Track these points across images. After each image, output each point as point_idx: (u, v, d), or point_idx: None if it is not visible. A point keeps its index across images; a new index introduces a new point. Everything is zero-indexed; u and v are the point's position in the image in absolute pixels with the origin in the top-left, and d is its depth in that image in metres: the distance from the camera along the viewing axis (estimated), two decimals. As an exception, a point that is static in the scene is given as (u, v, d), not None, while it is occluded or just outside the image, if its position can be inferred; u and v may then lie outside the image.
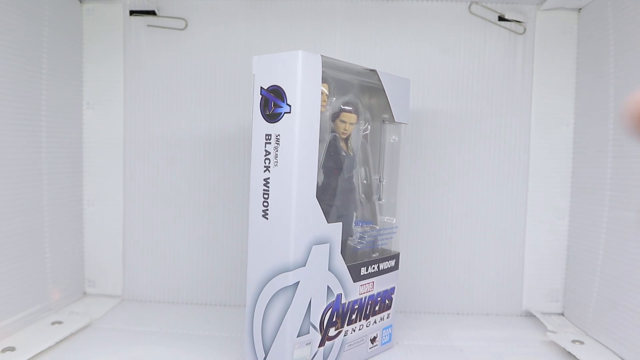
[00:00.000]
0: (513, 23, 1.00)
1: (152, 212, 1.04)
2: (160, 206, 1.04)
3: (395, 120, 0.81)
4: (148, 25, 1.03)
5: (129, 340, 0.84)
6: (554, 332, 0.91)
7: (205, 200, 1.04)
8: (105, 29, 1.03)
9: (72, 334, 0.84)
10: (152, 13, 1.02)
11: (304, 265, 0.66)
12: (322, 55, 0.67)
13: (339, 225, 0.71)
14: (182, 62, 1.03)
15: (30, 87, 0.88)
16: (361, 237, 0.78)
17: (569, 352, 0.83)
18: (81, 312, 0.95)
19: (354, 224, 0.77)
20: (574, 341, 0.87)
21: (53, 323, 0.87)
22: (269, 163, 0.67)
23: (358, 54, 1.01)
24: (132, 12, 1.03)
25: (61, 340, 0.82)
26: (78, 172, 1.02)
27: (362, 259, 0.77)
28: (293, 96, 0.65)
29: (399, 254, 0.83)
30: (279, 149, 0.66)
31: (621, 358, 0.80)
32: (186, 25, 1.02)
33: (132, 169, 1.04)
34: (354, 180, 0.78)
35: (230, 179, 1.03)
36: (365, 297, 0.77)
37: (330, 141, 0.73)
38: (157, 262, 1.05)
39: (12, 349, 0.76)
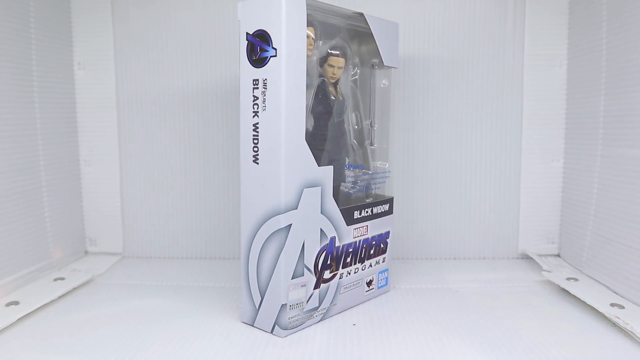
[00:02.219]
0: (504, -36, 0.98)
1: (148, 170, 1.05)
2: (155, 163, 1.05)
3: (385, 64, 0.80)
4: (134, -18, 1.02)
5: (129, 293, 0.86)
6: (549, 272, 0.92)
7: (200, 154, 1.04)
8: (91, -14, 1.02)
9: (74, 289, 0.86)
10: (137, -31, 1.01)
11: (296, 208, 0.67)
12: (306, -2, 0.66)
13: (330, 169, 0.71)
14: (171, 17, 1.02)
15: (19, 48, 0.87)
16: (354, 182, 0.79)
17: (563, 289, 0.84)
18: (83, 269, 0.97)
19: (345, 168, 0.78)
20: (568, 279, 0.88)
21: (55, 279, 0.89)
22: (258, 108, 0.67)
23: (347, 1, 0.99)
24: (117, -31, 1.02)
25: (63, 295, 0.83)
26: (73, 133, 1.03)
27: (355, 203, 0.78)
28: (278, 39, 0.64)
29: (392, 198, 0.84)
30: (266, 93, 0.66)
31: (614, 292, 0.82)
32: (173, -20, 1.01)
33: (127, 127, 1.05)
34: (345, 125, 0.78)
35: (224, 132, 1.03)
36: (359, 241, 0.78)
37: (318, 85, 0.73)
38: (156, 219, 1.06)
39: (16, 302, 0.78)
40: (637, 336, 0.66)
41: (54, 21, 0.97)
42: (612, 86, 0.85)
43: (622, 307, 0.75)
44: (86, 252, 1.07)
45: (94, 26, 1.03)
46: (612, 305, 0.76)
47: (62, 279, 0.90)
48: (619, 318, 0.70)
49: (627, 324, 0.68)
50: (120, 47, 1.03)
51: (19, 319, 0.73)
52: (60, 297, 0.82)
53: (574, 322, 0.74)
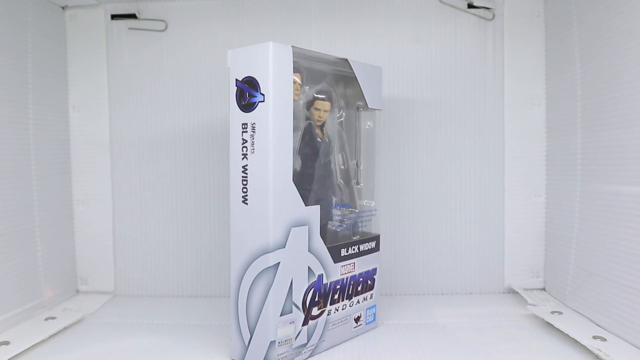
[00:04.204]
0: (482, 10, 1.03)
1: (140, 210, 1.07)
2: (147, 203, 1.07)
3: (369, 107, 0.84)
4: (129, 29, 1.06)
5: (120, 332, 0.86)
6: (534, 305, 0.94)
7: (192, 196, 1.06)
8: (87, 34, 1.06)
9: (65, 328, 0.87)
10: (132, 16, 1.05)
11: (284, 247, 0.69)
12: (292, 46, 0.70)
13: (316, 208, 0.73)
14: (164, 62, 1.06)
15: (17, 92, 0.90)
16: (341, 221, 0.81)
17: (548, 323, 0.86)
18: (74, 308, 0.97)
19: (332, 207, 0.80)
20: (553, 312, 0.90)
21: (47, 319, 0.90)
22: (247, 151, 0.70)
23: (333, 46, 1.04)
24: (113, 17, 1.06)
25: (54, 334, 0.84)
26: (67, 173, 1.05)
27: (343, 241, 0.80)
28: (266, 85, 0.67)
29: (379, 235, 0.86)
30: (255, 136, 0.69)
31: (597, 324, 0.83)
32: (166, 27, 1.05)
33: (119, 168, 1.07)
34: (331, 165, 0.80)
35: (215, 173, 1.06)
36: (347, 278, 0.80)
37: (305, 128, 0.76)
38: (147, 258, 1.08)
39: (6, 342, 0.79)
40: (617, 369, 0.67)
41: (51, 64, 1.00)
42: (587, 124, 0.89)
43: (604, 340, 0.77)
44: (77, 291, 1.08)
45: (89, 69, 1.06)
46: (595, 337, 0.77)
47: (53, 318, 0.90)
48: (600, 350, 0.72)
49: (607, 356, 0.70)
50: (115, 90, 1.06)
51: (9, 359, 0.74)
52: (51, 337, 0.83)
53: (557, 355, 0.75)
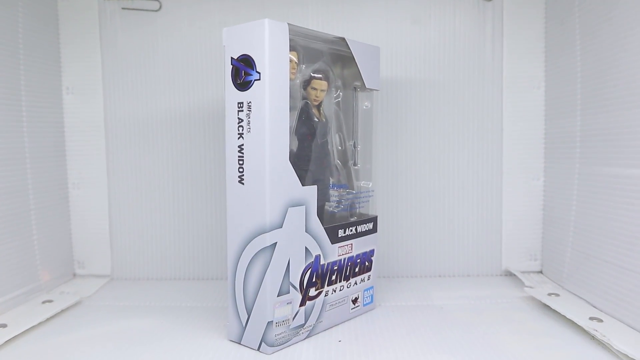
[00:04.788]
0: (481, -10, 1.02)
1: (136, 192, 1.07)
2: (143, 186, 1.06)
3: (367, 87, 0.83)
4: (123, 9, 1.04)
5: (117, 314, 0.86)
6: (531, 288, 0.94)
7: (188, 177, 1.06)
8: (80, 14, 1.04)
9: (62, 311, 0.87)
10: (126, -4, 1.04)
11: (281, 227, 0.69)
12: (289, 24, 0.69)
13: (313, 188, 0.73)
14: (158, 43, 1.05)
15: (8, 74, 0.89)
16: (338, 202, 0.81)
17: (545, 304, 0.86)
18: (71, 291, 0.97)
19: (329, 188, 0.80)
20: (550, 294, 0.90)
21: (44, 302, 0.90)
22: (242, 130, 0.69)
23: (330, 27, 1.03)
24: (106, -4, 1.04)
25: (52, 317, 0.84)
26: (61, 156, 1.04)
27: (340, 222, 0.79)
28: (262, 63, 0.67)
29: (376, 217, 0.86)
30: (251, 115, 0.68)
31: (594, 306, 0.83)
32: (160, 7, 1.04)
33: (115, 151, 1.06)
34: (328, 146, 0.80)
35: (210, 155, 1.05)
36: (344, 259, 0.79)
37: (301, 108, 0.75)
38: (144, 241, 1.07)
39: (4, 325, 0.78)
40: (613, 348, 0.67)
41: (43, 46, 0.99)
42: (587, 107, 0.88)
43: (601, 321, 0.77)
44: (74, 275, 1.08)
45: (83, 51, 1.05)
46: (591, 319, 0.78)
47: (50, 301, 0.90)
48: (597, 331, 0.72)
49: (604, 336, 0.70)
50: (108, 72, 1.05)
51: (7, 341, 0.73)
52: (48, 319, 0.83)
53: (554, 336, 0.75)
